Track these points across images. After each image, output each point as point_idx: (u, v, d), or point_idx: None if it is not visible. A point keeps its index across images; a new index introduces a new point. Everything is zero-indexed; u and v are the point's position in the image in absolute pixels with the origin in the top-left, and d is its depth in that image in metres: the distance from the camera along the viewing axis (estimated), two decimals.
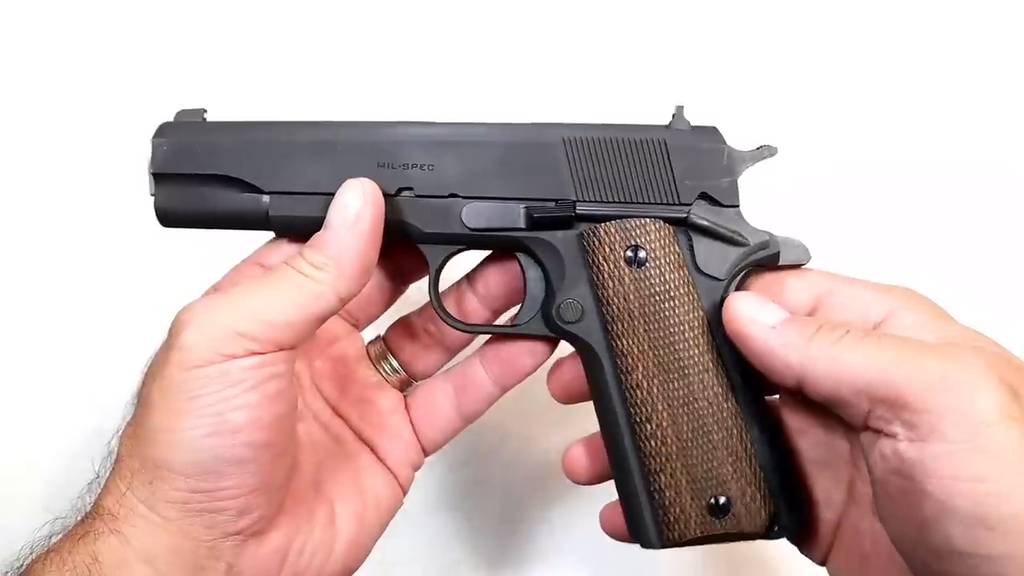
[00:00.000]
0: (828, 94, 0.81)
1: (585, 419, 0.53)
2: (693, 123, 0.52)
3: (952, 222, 0.79)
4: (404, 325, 0.59)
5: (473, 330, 0.54)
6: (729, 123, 0.53)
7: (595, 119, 0.53)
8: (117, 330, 0.78)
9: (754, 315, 0.45)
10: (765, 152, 0.51)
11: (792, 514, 0.48)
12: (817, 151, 0.77)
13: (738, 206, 0.50)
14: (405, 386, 0.59)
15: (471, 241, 0.52)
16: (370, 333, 0.61)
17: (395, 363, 0.59)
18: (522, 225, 0.50)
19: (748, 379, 0.49)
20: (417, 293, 0.59)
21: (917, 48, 0.82)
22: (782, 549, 0.50)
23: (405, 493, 0.56)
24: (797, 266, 0.50)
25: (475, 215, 0.51)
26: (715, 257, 0.49)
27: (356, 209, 0.48)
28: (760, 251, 0.50)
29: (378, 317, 0.60)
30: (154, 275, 0.78)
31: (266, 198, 0.52)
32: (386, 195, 0.50)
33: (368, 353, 0.59)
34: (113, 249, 0.80)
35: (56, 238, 0.80)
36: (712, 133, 0.51)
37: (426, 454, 0.58)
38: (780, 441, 0.49)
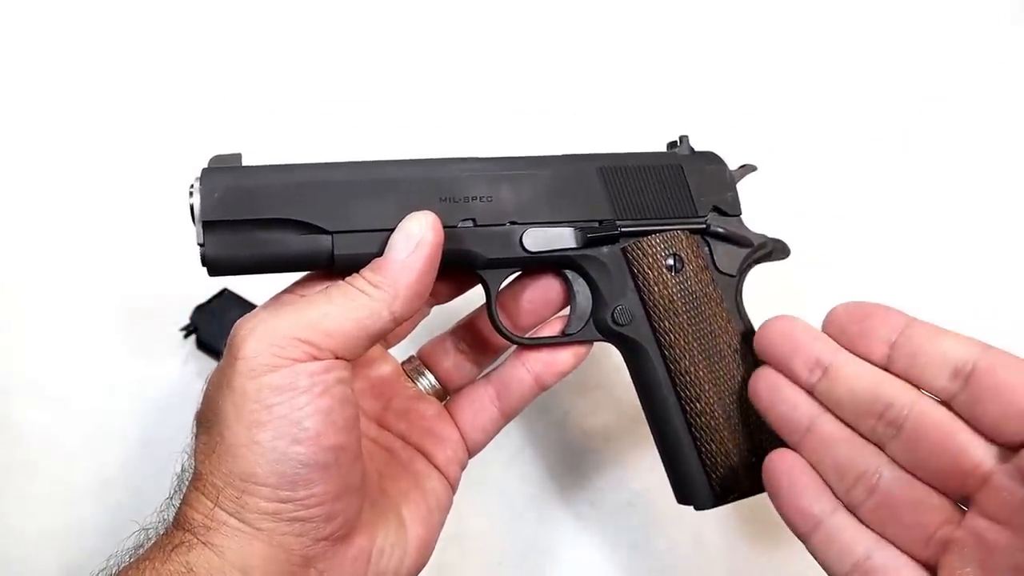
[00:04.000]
0: (823, 93, 0.88)
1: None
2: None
3: (929, 225, 0.85)
4: (439, 343, 0.64)
5: (533, 343, 0.59)
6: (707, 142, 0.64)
7: (592, 139, 0.61)
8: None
9: None
10: (748, 170, 0.62)
11: None
12: (788, 164, 0.84)
13: (740, 215, 0.61)
14: (441, 397, 0.63)
15: (528, 263, 0.57)
16: (397, 354, 0.65)
17: (432, 378, 0.63)
18: (575, 245, 0.57)
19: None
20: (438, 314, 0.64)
21: (887, 65, 0.90)
22: None
23: (454, 492, 0.61)
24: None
25: (535, 239, 0.56)
26: (729, 258, 0.60)
27: (418, 237, 0.51)
28: (760, 250, 0.61)
29: (404, 338, 0.64)
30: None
31: (328, 238, 0.53)
32: (448, 227, 0.54)
33: (404, 370, 0.63)
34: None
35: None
36: (713, 156, 0.61)
37: (470, 455, 0.62)
38: None
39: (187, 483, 0.50)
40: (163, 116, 0.85)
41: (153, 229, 0.79)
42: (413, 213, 0.52)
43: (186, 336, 0.76)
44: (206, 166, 0.53)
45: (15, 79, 0.86)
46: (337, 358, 0.49)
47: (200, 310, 0.75)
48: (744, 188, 0.62)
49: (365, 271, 0.51)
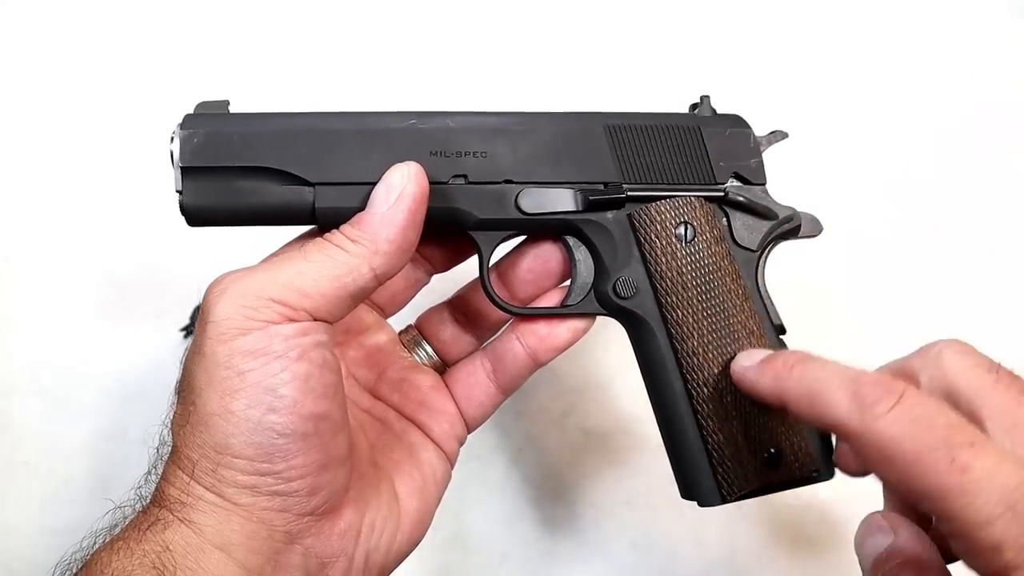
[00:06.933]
0: (833, 80, 0.85)
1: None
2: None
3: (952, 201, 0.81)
4: (436, 313, 0.60)
5: (526, 313, 0.55)
6: (738, 108, 0.58)
7: (608, 104, 0.56)
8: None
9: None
10: (779, 136, 0.56)
11: (827, 459, 0.53)
12: (822, 135, 0.79)
13: (765, 183, 0.55)
14: (440, 370, 0.60)
15: (523, 226, 0.53)
16: (395, 324, 0.61)
17: (429, 349, 0.59)
18: (576, 208, 0.53)
19: (781, 342, 0.54)
20: (440, 283, 0.61)
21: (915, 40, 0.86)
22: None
23: (452, 467, 0.57)
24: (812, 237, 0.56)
25: (532, 200, 0.52)
26: (749, 231, 0.54)
27: (399, 188, 0.48)
28: (786, 224, 0.55)
29: (403, 307, 0.61)
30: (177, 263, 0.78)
31: (311, 190, 0.50)
32: (439, 183, 0.51)
33: (401, 341, 0.59)
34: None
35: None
36: (737, 119, 0.56)
37: (469, 430, 0.58)
38: None
39: (165, 457, 0.48)
40: (161, 112, 0.82)
41: (154, 230, 0.78)
42: (396, 165, 0.49)
43: (186, 336, 0.76)
44: (190, 112, 0.52)
45: (14, 81, 0.84)
46: (315, 319, 0.46)
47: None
48: (776, 158, 0.56)
49: (344, 226, 0.48)
